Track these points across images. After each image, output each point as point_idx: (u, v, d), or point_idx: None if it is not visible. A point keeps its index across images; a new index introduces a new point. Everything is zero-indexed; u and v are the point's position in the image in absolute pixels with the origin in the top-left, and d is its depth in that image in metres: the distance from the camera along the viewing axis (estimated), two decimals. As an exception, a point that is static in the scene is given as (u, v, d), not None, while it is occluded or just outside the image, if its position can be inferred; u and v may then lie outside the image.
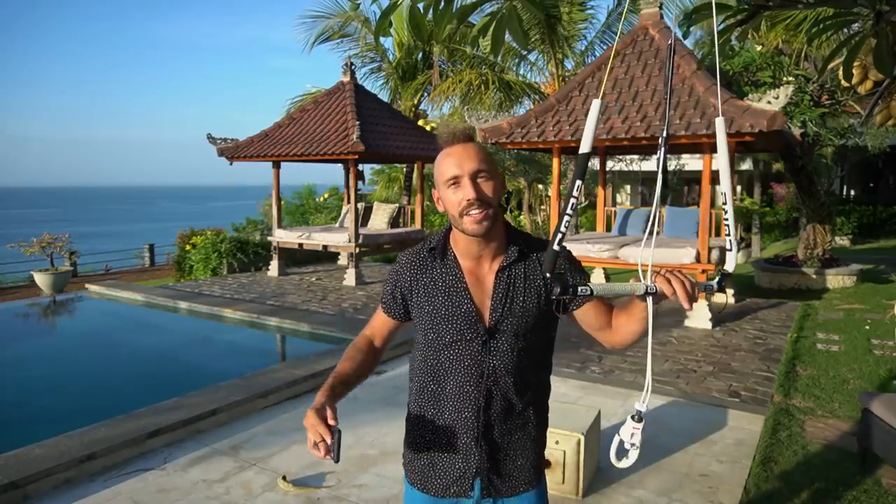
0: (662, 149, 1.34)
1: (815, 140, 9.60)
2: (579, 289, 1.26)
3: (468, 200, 1.44)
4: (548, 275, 1.28)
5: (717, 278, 1.34)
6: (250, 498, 3.35)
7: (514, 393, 1.55)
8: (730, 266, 1.38)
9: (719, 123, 1.38)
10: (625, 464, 1.38)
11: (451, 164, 1.47)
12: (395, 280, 1.62)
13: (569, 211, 1.30)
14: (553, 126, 7.61)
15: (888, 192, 20.43)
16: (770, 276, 10.14)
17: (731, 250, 1.41)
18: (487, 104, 13.22)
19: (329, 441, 1.35)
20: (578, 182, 1.32)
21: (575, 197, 1.31)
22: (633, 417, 1.36)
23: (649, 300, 1.29)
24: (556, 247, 1.29)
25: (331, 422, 1.38)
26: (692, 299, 1.25)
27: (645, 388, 1.35)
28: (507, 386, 1.54)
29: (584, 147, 1.34)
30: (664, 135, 1.33)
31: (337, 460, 1.37)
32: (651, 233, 1.33)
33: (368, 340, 1.70)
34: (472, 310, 1.52)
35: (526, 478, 1.60)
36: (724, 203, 1.38)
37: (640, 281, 1.29)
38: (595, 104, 1.34)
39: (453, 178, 1.46)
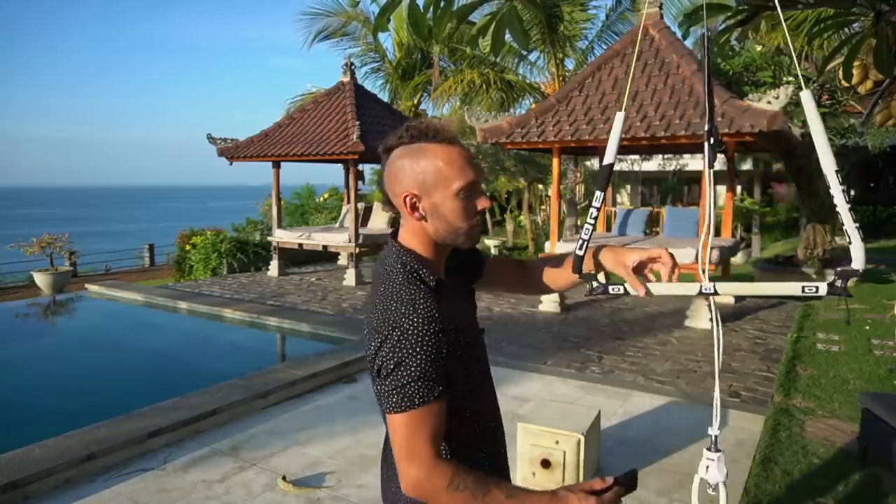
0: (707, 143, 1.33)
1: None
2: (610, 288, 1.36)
3: (484, 207, 1.26)
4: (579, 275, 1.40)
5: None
6: (250, 498, 3.35)
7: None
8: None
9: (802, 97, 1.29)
10: None
11: (466, 167, 1.23)
12: (438, 350, 1.19)
13: (590, 221, 1.37)
14: (553, 126, 7.60)
15: (888, 192, 20.40)
16: (770, 277, 10.13)
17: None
18: (488, 104, 13.19)
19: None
20: (599, 193, 1.37)
21: (596, 208, 1.37)
22: (708, 448, 1.26)
23: (712, 300, 1.31)
24: (579, 251, 1.39)
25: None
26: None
27: (714, 407, 1.28)
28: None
29: (608, 158, 1.37)
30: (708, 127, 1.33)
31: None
32: (707, 232, 1.43)
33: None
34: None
35: None
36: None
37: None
38: (619, 117, 1.36)
39: (470, 184, 1.23)
